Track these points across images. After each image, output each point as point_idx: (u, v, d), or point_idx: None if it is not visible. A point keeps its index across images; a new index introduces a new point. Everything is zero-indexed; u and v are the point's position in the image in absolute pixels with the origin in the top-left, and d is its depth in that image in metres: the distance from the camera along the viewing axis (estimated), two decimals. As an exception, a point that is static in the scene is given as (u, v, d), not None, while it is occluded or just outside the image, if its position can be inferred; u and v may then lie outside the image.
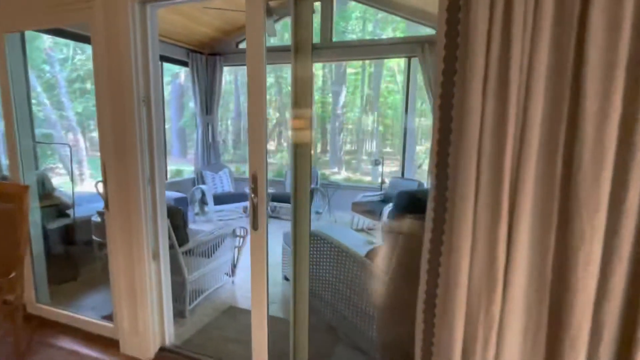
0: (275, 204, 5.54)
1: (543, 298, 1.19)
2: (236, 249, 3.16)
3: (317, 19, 5.80)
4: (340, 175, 14.43)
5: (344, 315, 2.26)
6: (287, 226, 5.13)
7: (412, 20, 5.45)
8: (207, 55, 5.99)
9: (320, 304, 2.42)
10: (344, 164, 15.54)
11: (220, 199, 5.20)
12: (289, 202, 5.03)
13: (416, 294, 1.38)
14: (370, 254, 2.30)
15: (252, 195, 1.69)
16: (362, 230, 5.03)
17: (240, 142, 15.46)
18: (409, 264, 1.93)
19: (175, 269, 2.32)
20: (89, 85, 9.40)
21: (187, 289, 2.54)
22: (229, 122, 15.04)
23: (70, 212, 3.30)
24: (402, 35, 9.39)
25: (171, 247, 2.28)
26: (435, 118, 1.27)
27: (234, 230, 3.07)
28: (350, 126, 18.81)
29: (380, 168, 5.84)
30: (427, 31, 5.54)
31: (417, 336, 1.39)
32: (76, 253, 3.35)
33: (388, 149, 21.23)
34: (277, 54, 5.84)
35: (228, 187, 5.66)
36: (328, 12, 5.48)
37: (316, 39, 6.25)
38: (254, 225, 1.73)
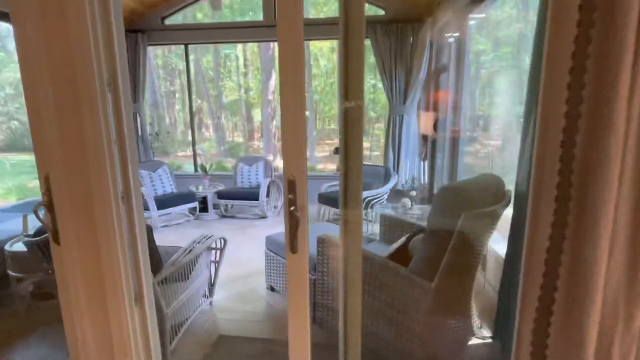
0: (226, 201, 4.96)
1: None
2: (213, 265, 2.64)
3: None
4: (275, 161, 13.95)
5: (376, 334, 1.97)
6: (247, 225, 4.62)
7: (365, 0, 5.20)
8: (126, 32, 5.02)
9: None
10: (278, 152, 15.06)
11: (163, 202, 4.45)
12: (244, 198, 4.47)
13: (464, 302, 1.15)
14: (393, 257, 2.03)
15: (292, 209, 1.27)
16: (330, 221, 4.77)
17: (160, 134, 13.94)
18: (460, 268, 1.70)
19: (155, 306, 1.78)
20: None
21: (167, 326, 2.00)
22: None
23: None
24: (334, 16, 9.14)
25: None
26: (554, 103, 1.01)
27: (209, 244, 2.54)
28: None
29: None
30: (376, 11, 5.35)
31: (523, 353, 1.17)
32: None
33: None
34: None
35: (170, 187, 4.89)
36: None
37: (259, 15, 5.67)
38: (293, 247, 1.32)
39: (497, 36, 5.76)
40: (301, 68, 1.22)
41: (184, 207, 4.74)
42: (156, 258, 1.95)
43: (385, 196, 4.36)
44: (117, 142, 1.37)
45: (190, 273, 2.30)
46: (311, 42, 14.86)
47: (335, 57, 16.47)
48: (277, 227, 4.59)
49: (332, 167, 14.16)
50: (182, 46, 5.96)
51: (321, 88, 16.43)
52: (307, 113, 19.92)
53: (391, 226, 2.64)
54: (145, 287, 1.53)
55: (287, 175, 1.27)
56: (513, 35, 6.15)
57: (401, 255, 2.11)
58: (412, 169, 5.35)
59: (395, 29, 5.10)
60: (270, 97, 13.55)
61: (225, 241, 2.62)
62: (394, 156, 5.40)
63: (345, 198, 1.44)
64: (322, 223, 4.40)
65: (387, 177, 4.50)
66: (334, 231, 2.69)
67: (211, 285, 2.64)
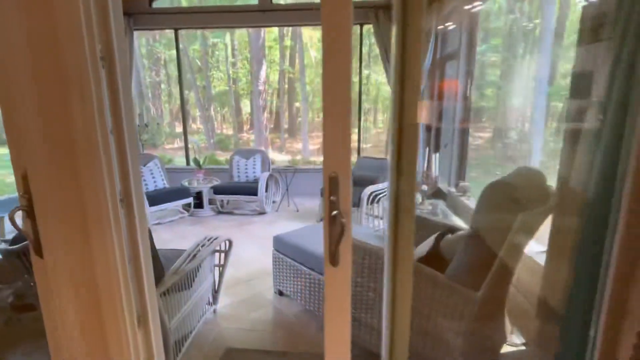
0: (222, 197, 4.69)
1: None
2: (217, 269, 2.39)
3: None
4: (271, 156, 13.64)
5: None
6: (246, 222, 4.37)
7: (366, -19, 4.94)
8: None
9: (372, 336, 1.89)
10: (270, 144, 14.74)
11: (155, 199, 4.16)
12: (242, 193, 4.22)
13: (502, 309, 0.96)
14: (423, 261, 1.83)
15: (334, 213, 1.05)
16: (331, 217, 4.55)
17: (150, 125, 13.55)
18: (507, 275, 1.51)
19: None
20: None
21: (171, 342, 1.75)
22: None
23: None
24: None
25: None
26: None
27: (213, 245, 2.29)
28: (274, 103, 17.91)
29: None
30: (382, -5, 5.06)
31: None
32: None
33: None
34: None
35: (162, 182, 4.59)
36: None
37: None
38: (333, 259, 1.10)
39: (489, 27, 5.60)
40: (348, 49, 0.98)
41: (178, 203, 4.45)
42: (158, 267, 1.70)
43: (392, 190, 4.16)
44: (114, 132, 1.11)
45: (194, 280, 2.05)
46: (303, 31, 14.48)
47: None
48: (277, 223, 4.35)
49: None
50: (167, 35, 5.60)
51: (310, 79, 16.11)
52: (297, 104, 19.59)
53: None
54: (150, 306, 1.29)
55: (328, 172, 1.04)
56: (504, 27, 6.00)
57: (431, 259, 1.91)
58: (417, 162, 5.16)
59: (398, 15, 4.85)
60: (261, 87, 13.17)
61: (230, 243, 2.38)
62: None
63: (395, 216, 1.21)
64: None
65: (393, 171, 4.30)
66: (361, 234, 2.47)
67: (215, 292, 2.40)
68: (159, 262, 1.76)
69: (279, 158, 13.95)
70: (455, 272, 1.59)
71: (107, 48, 1.05)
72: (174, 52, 5.70)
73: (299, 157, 13.11)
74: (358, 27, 5.39)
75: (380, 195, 4.01)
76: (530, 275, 1.86)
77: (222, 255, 2.39)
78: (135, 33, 5.20)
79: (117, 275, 1.15)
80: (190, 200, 4.56)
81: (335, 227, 1.05)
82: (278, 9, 5.01)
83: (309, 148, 14.65)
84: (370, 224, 4.00)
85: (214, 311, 2.41)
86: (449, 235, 1.95)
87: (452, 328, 1.61)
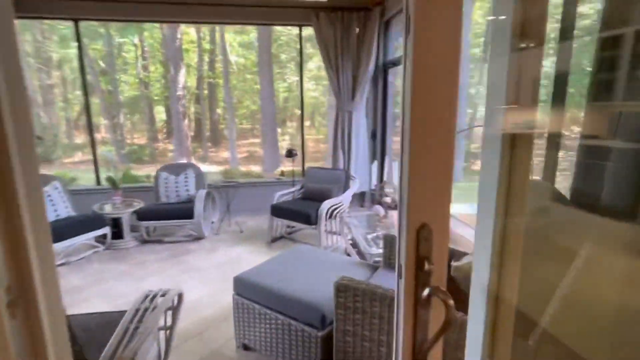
0: (148, 223, 3.90)
1: None
2: (163, 334, 1.78)
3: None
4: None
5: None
6: (180, 251, 3.65)
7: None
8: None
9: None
10: (192, 155, 13.56)
11: (59, 233, 3.22)
12: (174, 217, 3.53)
13: None
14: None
15: (428, 291, 0.63)
16: (282, 237, 4.07)
17: (44, 137, 11.56)
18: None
19: None
20: None
21: None
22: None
23: None
24: None
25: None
26: None
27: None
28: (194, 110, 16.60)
29: (294, 159, 4.88)
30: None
31: None
32: None
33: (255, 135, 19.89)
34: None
35: (65, 210, 3.62)
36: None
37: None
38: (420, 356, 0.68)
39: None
40: (457, 65, 0.59)
41: (90, 236, 3.54)
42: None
43: (347, 203, 3.86)
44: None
45: (134, 360, 1.44)
46: (225, 33, 13.69)
47: (253, 55, 15.48)
48: (220, 249, 3.73)
49: (256, 169, 13.25)
50: (61, 30, 4.56)
51: (232, 85, 15.32)
52: (219, 111, 18.53)
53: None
54: None
55: (416, 221, 0.63)
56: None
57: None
58: (362, 170, 4.96)
59: (340, 17, 4.62)
60: (180, 92, 12.01)
61: (180, 297, 1.79)
62: (345, 157, 4.94)
63: (502, 254, 0.84)
64: (300, 244, 3.71)
65: (347, 182, 4.00)
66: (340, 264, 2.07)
67: (161, 364, 1.78)
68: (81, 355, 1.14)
69: (203, 169, 12.89)
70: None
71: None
72: (70, 51, 4.65)
73: (226, 168, 12.22)
74: (296, 28, 5.02)
75: (338, 210, 3.68)
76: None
77: (169, 312, 1.78)
78: (17, 24, 4.10)
79: None
80: (106, 230, 3.68)
81: (426, 312, 0.64)
82: (195, 3, 4.38)
83: (237, 157, 13.82)
84: (329, 242, 3.63)
85: (160, 390, 1.79)
86: (461, 262, 1.66)
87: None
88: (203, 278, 3.07)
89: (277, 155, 12.19)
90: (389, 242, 2.16)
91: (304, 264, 2.17)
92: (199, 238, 4.02)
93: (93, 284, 2.99)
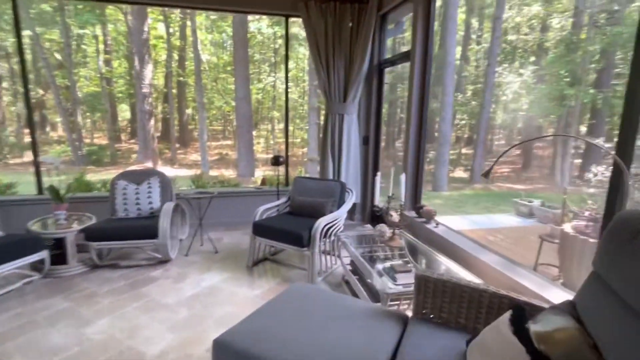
0: (100, 244, 3.17)
1: None
2: None
3: None
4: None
5: None
6: (141, 280, 2.96)
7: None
8: None
9: None
10: (159, 157, 12.59)
11: (-27, 261, 2.46)
12: (132, 237, 2.81)
13: None
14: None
15: None
16: (265, 259, 3.48)
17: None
18: None
19: None
20: None
21: None
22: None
23: None
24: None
25: None
26: None
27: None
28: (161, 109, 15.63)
29: (281, 167, 4.27)
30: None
31: None
32: None
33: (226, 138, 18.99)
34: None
35: (-11, 229, 2.83)
36: None
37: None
38: None
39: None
40: None
41: (22, 262, 2.78)
42: None
43: (342, 220, 3.33)
44: None
45: None
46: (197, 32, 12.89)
47: (226, 55, 14.65)
48: (190, 276, 3.09)
49: (228, 174, 12.45)
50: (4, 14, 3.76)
51: (203, 83, 14.47)
52: (189, 111, 17.57)
53: (443, 291, 1.60)
54: None
55: None
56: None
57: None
58: (354, 180, 4.46)
59: (332, 8, 4.11)
60: (145, 89, 11.05)
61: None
62: (334, 165, 4.41)
63: None
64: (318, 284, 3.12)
65: (342, 195, 3.47)
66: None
67: None
68: None
69: (171, 173, 11.95)
70: None
71: None
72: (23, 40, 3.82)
73: (196, 172, 11.35)
74: (282, 19, 4.46)
75: (333, 229, 3.14)
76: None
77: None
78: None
79: None
80: (44, 254, 2.94)
81: None
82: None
83: (208, 160, 12.96)
84: (322, 265, 3.08)
85: None
86: (549, 326, 1.17)
87: None
88: (169, 320, 2.42)
89: (253, 160, 11.48)
90: (422, 285, 1.64)
91: (308, 315, 1.61)
92: (164, 261, 3.34)
93: (18, 332, 2.26)
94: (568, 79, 10.44)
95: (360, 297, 2.51)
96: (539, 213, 5.41)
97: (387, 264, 2.30)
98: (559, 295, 1.96)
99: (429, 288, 1.63)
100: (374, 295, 2.38)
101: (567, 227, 2.70)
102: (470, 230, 4.63)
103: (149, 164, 11.60)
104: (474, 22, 14.59)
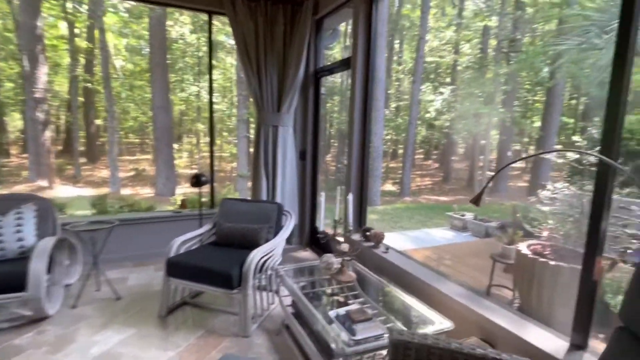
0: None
1: None
2: None
3: None
4: (53, 190, 9.65)
5: None
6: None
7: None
8: None
9: None
10: (58, 174, 10.72)
11: None
12: None
13: None
14: None
15: None
16: (182, 304, 2.78)
17: None
18: None
19: None
20: None
21: None
22: None
23: None
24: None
25: None
26: None
27: None
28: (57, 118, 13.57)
29: (204, 187, 3.56)
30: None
31: None
32: None
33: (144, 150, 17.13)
34: None
35: None
36: None
37: None
38: None
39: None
40: None
41: None
42: None
43: (281, 249, 2.81)
44: None
45: None
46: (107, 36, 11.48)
47: (144, 61, 13.22)
48: (77, 340, 2.28)
49: (145, 192, 11.03)
50: None
51: (116, 92, 12.92)
52: (99, 121, 15.59)
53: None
54: None
55: None
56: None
57: None
58: (291, 200, 3.97)
59: (262, 8, 3.65)
60: (39, 95, 9.31)
61: None
62: (268, 184, 3.88)
63: None
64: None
65: (279, 219, 2.95)
66: None
67: None
68: None
69: (73, 192, 10.19)
70: None
71: None
72: None
73: (102, 191, 9.82)
74: (206, 15, 3.87)
75: (269, 261, 2.60)
76: None
77: None
78: None
79: None
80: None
81: None
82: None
83: (119, 177, 11.40)
84: (257, 306, 2.51)
85: None
86: None
87: None
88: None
89: (174, 176, 10.32)
90: (401, 351, 1.20)
91: None
92: (37, 319, 2.46)
93: None
94: (481, 99, 11.37)
95: (305, 349, 2.01)
96: (473, 227, 5.50)
97: (342, 310, 1.84)
98: (540, 335, 1.69)
99: (409, 357, 1.20)
100: (324, 348, 1.89)
101: (523, 248, 2.55)
102: (415, 250, 4.44)
103: (42, 183, 9.76)
104: (396, 43, 15.37)
